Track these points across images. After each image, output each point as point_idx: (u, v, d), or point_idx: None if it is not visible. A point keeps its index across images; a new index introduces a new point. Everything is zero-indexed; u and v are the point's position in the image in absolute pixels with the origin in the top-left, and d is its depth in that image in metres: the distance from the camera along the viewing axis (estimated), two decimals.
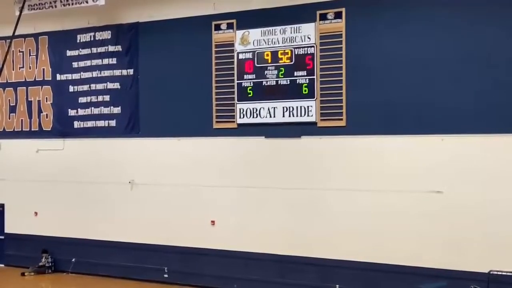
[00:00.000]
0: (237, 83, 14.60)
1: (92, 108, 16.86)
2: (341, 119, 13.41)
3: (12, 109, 18.31)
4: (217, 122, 14.91)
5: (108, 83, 16.59)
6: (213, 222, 14.99)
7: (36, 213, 17.78)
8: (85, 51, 16.92)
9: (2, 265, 18.33)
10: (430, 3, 12.57)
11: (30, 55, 17.97)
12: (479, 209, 11.92)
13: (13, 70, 18.23)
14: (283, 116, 14.05)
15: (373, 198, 13.00)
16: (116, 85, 16.46)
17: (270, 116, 14.21)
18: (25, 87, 18.05)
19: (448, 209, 12.22)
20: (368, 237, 13.02)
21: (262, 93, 14.28)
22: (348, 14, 13.31)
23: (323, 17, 13.59)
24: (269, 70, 14.22)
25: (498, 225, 11.68)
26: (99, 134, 16.74)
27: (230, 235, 14.71)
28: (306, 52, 13.82)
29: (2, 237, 18.43)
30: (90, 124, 16.91)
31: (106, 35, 16.60)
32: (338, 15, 13.41)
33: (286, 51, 14.03)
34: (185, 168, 15.35)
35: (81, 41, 17.01)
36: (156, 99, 15.77)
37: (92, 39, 16.84)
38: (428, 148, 12.53)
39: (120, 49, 16.36)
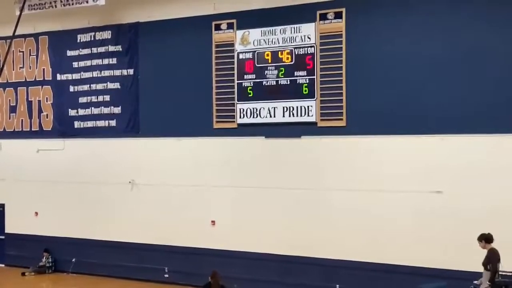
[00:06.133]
0: (237, 83, 14.60)
1: (92, 108, 16.88)
2: (341, 119, 13.41)
3: (13, 109, 18.33)
4: (217, 122, 14.91)
5: (108, 83, 16.60)
6: (213, 222, 14.99)
7: (36, 213, 17.79)
8: (85, 51, 16.94)
9: (3, 265, 18.35)
10: (430, 3, 12.57)
11: (30, 55, 17.99)
12: (479, 209, 11.91)
13: (13, 70, 18.25)
14: (283, 116, 14.05)
15: (373, 198, 12.99)
16: (116, 85, 16.47)
17: (270, 116, 14.21)
18: (25, 87, 18.07)
19: (448, 209, 12.22)
20: (368, 237, 13.01)
21: (262, 93, 14.28)
22: (348, 14, 13.31)
23: (323, 17, 13.59)
24: (269, 70, 14.22)
25: (498, 225, 11.65)
26: (99, 134, 16.75)
27: (230, 235, 14.71)
28: (306, 52, 13.82)
29: (3, 237, 18.45)
30: (90, 124, 16.92)
31: (106, 35, 16.61)
32: (338, 15, 13.42)
33: (286, 51, 14.04)
34: (185, 168, 15.36)
35: (81, 41, 17.02)
36: (156, 99, 15.78)
37: (92, 39, 16.86)
38: (428, 148, 12.52)
39: (120, 49, 16.37)
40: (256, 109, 14.36)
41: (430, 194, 12.40)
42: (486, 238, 10.52)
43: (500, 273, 10.60)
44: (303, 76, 13.83)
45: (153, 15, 15.79)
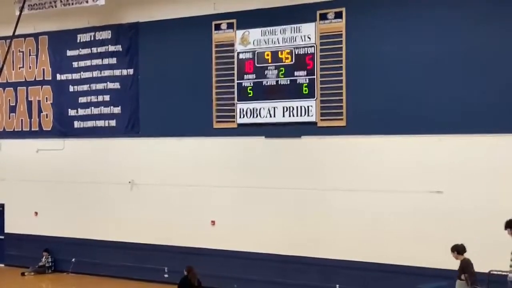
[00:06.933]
0: (237, 83, 14.60)
1: (92, 108, 16.87)
2: (341, 119, 13.41)
3: (12, 109, 18.33)
4: (217, 122, 14.91)
5: (108, 83, 16.60)
6: (213, 222, 14.99)
7: (36, 213, 17.79)
8: (85, 51, 16.94)
9: (2, 265, 18.35)
10: (430, 3, 12.57)
11: (30, 55, 17.99)
12: (479, 208, 11.91)
13: (13, 70, 18.24)
14: (283, 116, 14.05)
15: (373, 198, 12.99)
16: (116, 85, 16.47)
17: (270, 116, 14.21)
18: (25, 87, 18.06)
19: (448, 209, 12.22)
20: (368, 237, 13.01)
21: (262, 93, 14.27)
22: (348, 14, 13.31)
23: (323, 17, 13.59)
24: (269, 70, 14.22)
25: (498, 225, 11.64)
26: (99, 134, 16.74)
27: (230, 235, 14.70)
28: (306, 52, 13.81)
29: (2, 237, 18.45)
30: (90, 124, 16.92)
31: (106, 35, 16.61)
32: (338, 15, 13.41)
33: (286, 51, 14.03)
34: (185, 168, 15.35)
35: (81, 41, 17.02)
36: (156, 99, 15.77)
37: (92, 39, 16.85)
38: (427, 148, 12.53)
39: (120, 49, 16.36)
40: (256, 109, 14.36)
41: (430, 194, 12.40)
42: (457, 250, 10.77)
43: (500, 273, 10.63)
44: (303, 76, 13.82)
45: (153, 15, 15.79)
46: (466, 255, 10.88)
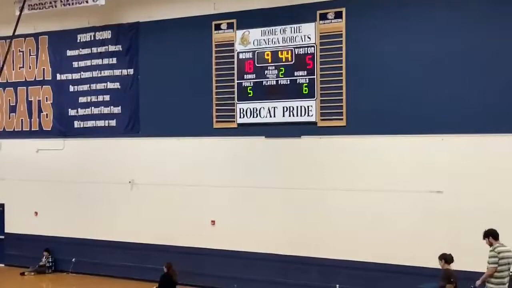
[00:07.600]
0: (237, 83, 14.60)
1: (92, 108, 16.88)
2: (341, 119, 13.41)
3: (12, 109, 18.33)
4: (217, 122, 14.91)
5: (108, 83, 16.60)
6: (213, 222, 14.99)
7: (36, 213, 17.79)
8: (85, 51, 16.94)
9: (2, 265, 18.34)
10: (430, 3, 12.58)
11: (30, 55, 17.99)
12: (479, 208, 11.92)
13: (13, 70, 18.24)
14: (283, 116, 14.05)
15: (373, 198, 12.99)
16: (116, 85, 16.47)
17: (270, 116, 14.21)
18: (25, 87, 18.06)
19: (448, 209, 12.22)
20: (368, 237, 13.01)
21: (262, 93, 14.28)
22: (348, 14, 13.31)
23: (323, 17, 13.59)
24: (269, 70, 14.22)
25: (498, 225, 11.64)
26: (99, 134, 16.75)
27: (230, 235, 14.71)
28: (306, 52, 13.82)
29: (2, 237, 18.45)
30: (90, 124, 16.92)
31: (106, 35, 16.61)
32: (338, 15, 13.42)
33: (286, 51, 14.03)
34: (185, 168, 15.36)
35: (81, 41, 17.02)
36: (156, 98, 15.78)
37: (92, 39, 16.85)
38: (427, 148, 12.53)
39: (120, 49, 16.37)
40: (256, 109, 14.37)
41: (430, 194, 12.41)
42: (445, 259, 10.81)
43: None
44: (303, 76, 13.83)
45: (153, 15, 15.79)
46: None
